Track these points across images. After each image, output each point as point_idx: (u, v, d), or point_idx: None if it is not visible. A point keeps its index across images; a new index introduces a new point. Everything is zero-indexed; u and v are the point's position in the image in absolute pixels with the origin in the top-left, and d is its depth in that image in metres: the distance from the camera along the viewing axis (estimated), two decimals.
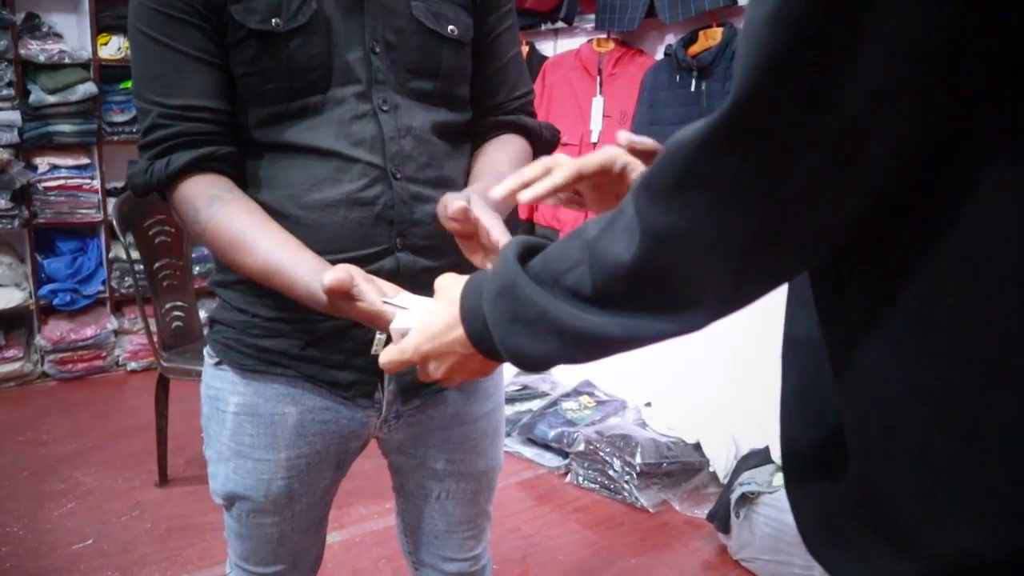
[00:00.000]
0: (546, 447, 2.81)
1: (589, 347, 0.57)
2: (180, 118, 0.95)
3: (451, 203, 0.85)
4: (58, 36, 3.51)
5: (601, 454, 2.59)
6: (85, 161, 3.56)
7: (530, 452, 2.84)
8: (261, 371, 1.05)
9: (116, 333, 3.66)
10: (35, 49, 3.37)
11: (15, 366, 3.43)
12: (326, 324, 1.00)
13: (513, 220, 2.06)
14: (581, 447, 2.64)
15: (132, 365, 3.67)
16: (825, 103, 0.42)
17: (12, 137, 3.33)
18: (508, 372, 3.31)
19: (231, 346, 1.06)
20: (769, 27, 0.42)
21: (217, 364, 1.08)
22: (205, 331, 1.32)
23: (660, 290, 0.53)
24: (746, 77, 0.43)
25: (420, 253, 0.99)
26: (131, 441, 2.88)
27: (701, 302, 0.52)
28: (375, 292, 0.82)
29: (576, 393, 3.03)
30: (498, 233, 0.83)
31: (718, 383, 2.65)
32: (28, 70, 3.40)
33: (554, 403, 2.98)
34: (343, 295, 0.83)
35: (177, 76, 0.95)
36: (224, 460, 1.08)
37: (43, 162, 3.47)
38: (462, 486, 1.17)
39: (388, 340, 1.02)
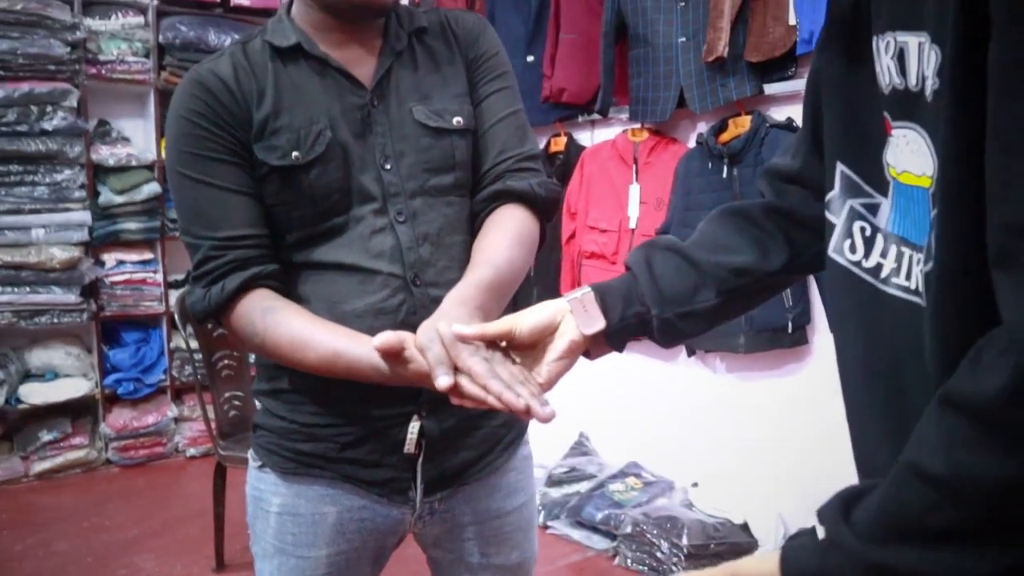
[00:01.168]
0: (594, 529, 2.81)
1: None
2: (228, 247, 1.05)
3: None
4: (126, 140, 3.76)
5: (648, 536, 2.58)
6: (149, 256, 3.76)
7: (578, 535, 2.84)
8: (301, 473, 1.12)
9: (176, 420, 3.80)
10: (105, 153, 3.62)
11: (81, 453, 3.58)
12: (360, 427, 1.08)
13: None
14: (628, 529, 2.64)
15: (191, 451, 3.80)
16: None
17: (82, 236, 3.56)
18: (555, 454, 3.33)
19: (273, 450, 1.13)
20: None
21: (260, 467, 1.15)
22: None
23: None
24: None
25: None
26: (189, 527, 2.97)
27: None
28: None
29: (623, 474, 3.04)
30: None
31: (764, 461, 2.65)
32: (98, 173, 3.66)
33: (601, 485, 2.99)
34: (396, 357, 0.91)
35: (220, 211, 1.05)
36: (268, 557, 1.14)
37: (110, 258, 3.70)
38: None
39: (419, 438, 1.09)
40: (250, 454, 1.18)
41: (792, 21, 2.29)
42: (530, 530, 1.25)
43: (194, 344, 2.78)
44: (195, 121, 1.05)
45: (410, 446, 1.08)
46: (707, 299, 0.87)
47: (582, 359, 0.91)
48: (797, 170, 0.86)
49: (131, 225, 3.69)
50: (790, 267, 0.89)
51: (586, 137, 3.32)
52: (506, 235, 1.09)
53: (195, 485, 3.37)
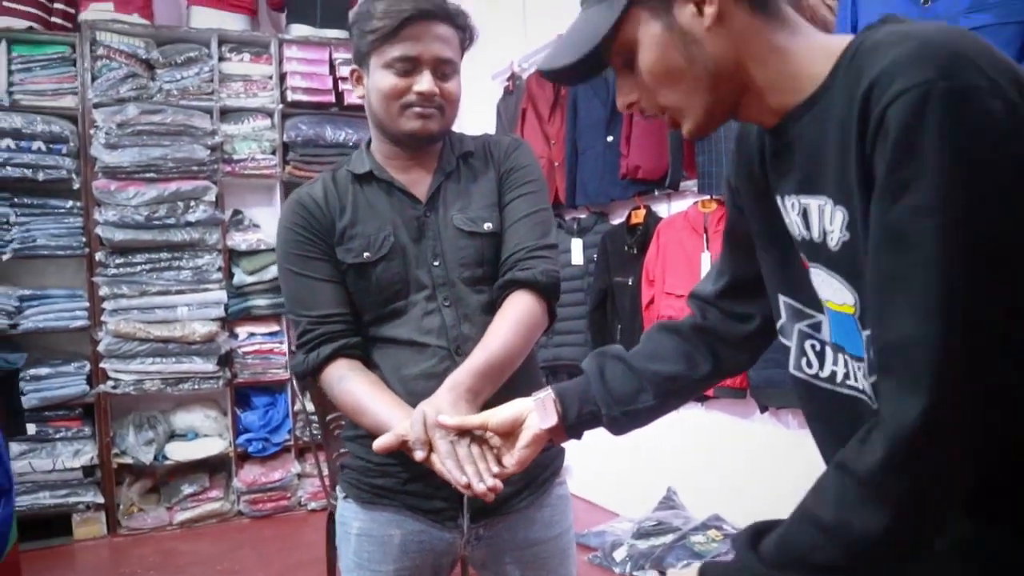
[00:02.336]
0: None
1: None
2: (320, 323, 1.37)
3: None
4: (256, 227, 4.25)
5: None
6: (275, 328, 4.21)
7: None
8: (374, 502, 1.40)
9: (299, 476, 4.17)
10: (238, 239, 4.11)
11: (216, 505, 4.00)
12: (418, 467, 1.35)
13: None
14: None
15: (312, 505, 4.15)
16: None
17: (219, 312, 4.03)
18: (645, 507, 3.50)
19: (354, 484, 1.42)
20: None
21: (345, 498, 1.44)
22: None
23: (902, 548, 0.68)
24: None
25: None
26: (307, 571, 3.30)
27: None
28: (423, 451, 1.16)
29: (704, 527, 3.17)
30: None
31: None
32: (233, 256, 4.14)
33: (683, 536, 3.13)
34: (405, 447, 1.17)
35: (314, 295, 1.37)
36: (351, 571, 1.42)
37: (243, 331, 4.15)
38: None
39: None
40: (338, 489, 1.48)
41: None
42: (566, 559, 1.46)
43: (311, 407, 3.14)
44: (295, 230, 1.38)
45: None
46: (647, 400, 1.07)
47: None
48: (714, 297, 1.07)
49: (260, 302, 4.16)
50: (715, 373, 1.08)
51: (663, 209, 3.56)
52: (506, 321, 1.33)
53: (314, 535, 3.70)
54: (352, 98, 4.30)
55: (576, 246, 3.87)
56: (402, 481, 1.37)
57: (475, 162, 1.45)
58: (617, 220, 3.72)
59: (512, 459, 1.11)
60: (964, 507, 0.71)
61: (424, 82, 1.31)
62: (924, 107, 0.64)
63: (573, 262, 3.88)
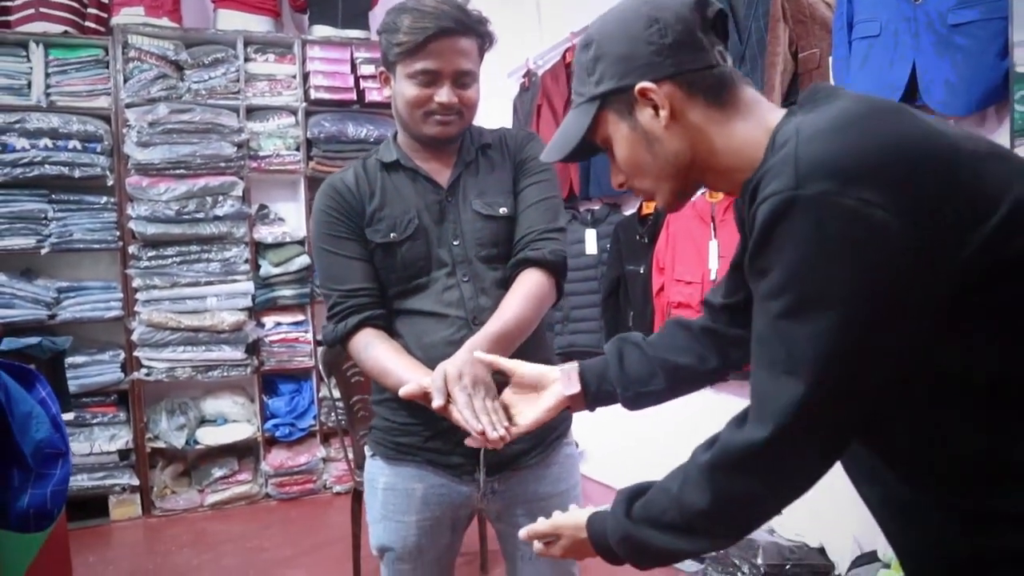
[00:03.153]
0: None
1: (679, 558, 0.98)
2: (349, 296, 1.51)
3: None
4: (281, 221, 4.41)
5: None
6: (301, 318, 4.36)
7: None
8: (399, 459, 1.54)
9: (324, 461, 4.32)
10: (264, 233, 4.27)
11: (245, 488, 4.16)
12: (440, 424, 1.49)
13: None
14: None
15: (337, 488, 4.30)
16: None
17: (246, 302, 4.19)
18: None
19: (380, 442, 1.56)
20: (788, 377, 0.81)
21: (372, 456, 1.59)
22: None
23: (728, 522, 0.92)
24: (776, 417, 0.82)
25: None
26: (333, 549, 3.45)
27: (752, 527, 0.93)
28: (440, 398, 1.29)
29: None
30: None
31: (841, 488, 2.84)
32: (259, 249, 4.29)
33: None
34: (423, 397, 1.31)
35: (344, 271, 1.51)
36: (376, 522, 1.57)
37: (269, 320, 4.30)
38: None
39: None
40: (365, 448, 1.62)
41: None
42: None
43: (336, 393, 3.29)
44: (329, 212, 1.53)
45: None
46: (658, 384, 1.21)
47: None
48: (720, 307, 1.21)
49: (286, 292, 4.31)
50: (721, 368, 1.23)
51: None
52: (518, 294, 1.48)
53: (339, 516, 3.86)
54: (372, 95, 4.45)
55: (590, 236, 4.00)
56: (423, 439, 1.51)
57: (492, 153, 1.58)
58: (629, 211, 3.84)
59: (527, 418, 1.25)
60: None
61: (444, 94, 1.45)
62: (781, 211, 0.78)
63: (587, 252, 4.00)
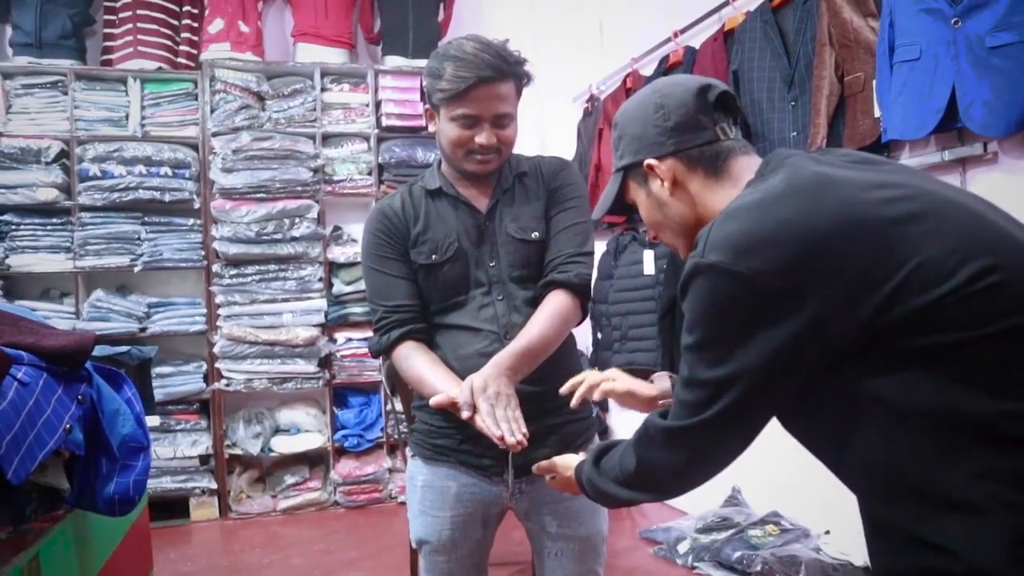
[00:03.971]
0: (731, 569, 3.13)
1: (621, 503, 1.24)
2: (394, 311, 1.66)
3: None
4: (354, 241, 4.63)
5: (776, 574, 2.88)
6: (370, 334, 4.56)
7: (718, 574, 3.16)
8: (435, 459, 1.68)
9: (390, 471, 4.49)
10: (337, 253, 4.50)
11: (316, 495, 4.37)
12: (470, 429, 1.62)
13: None
14: (758, 567, 2.95)
15: (402, 498, 4.45)
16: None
17: (320, 319, 4.42)
18: (712, 505, 3.67)
19: (420, 443, 1.71)
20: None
21: (412, 456, 1.73)
22: None
23: (647, 483, 1.16)
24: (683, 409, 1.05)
25: (526, 382, 1.59)
26: (393, 554, 3.61)
27: (667, 491, 1.18)
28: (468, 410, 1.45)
29: (763, 522, 3.33)
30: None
31: None
32: (333, 268, 4.53)
33: (742, 531, 3.30)
34: (453, 407, 1.45)
35: (390, 288, 1.66)
36: (415, 517, 1.71)
37: (341, 336, 4.51)
38: (570, 546, 1.68)
39: None
40: (407, 448, 1.77)
41: (877, 114, 2.64)
42: (596, 512, 1.70)
43: (400, 407, 3.46)
44: (377, 235, 1.68)
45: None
46: None
47: None
48: None
49: (357, 309, 4.52)
50: None
51: None
52: (544, 314, 1.60)
53: (402, 524, 3.99)
54: None
55: (648, 257, 4.09)
56: (457, 441, 1.65)
57: (528, 181, 1.72)
58: None
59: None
60: None
61: (484, 136, 1.58)
62: (690, 273, 1.00)
63: (645, 272, 4.09)
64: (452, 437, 1.65)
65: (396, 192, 1.75)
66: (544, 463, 1.46)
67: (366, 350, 4.53)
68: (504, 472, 1.64)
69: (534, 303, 1.65)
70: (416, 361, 1.62)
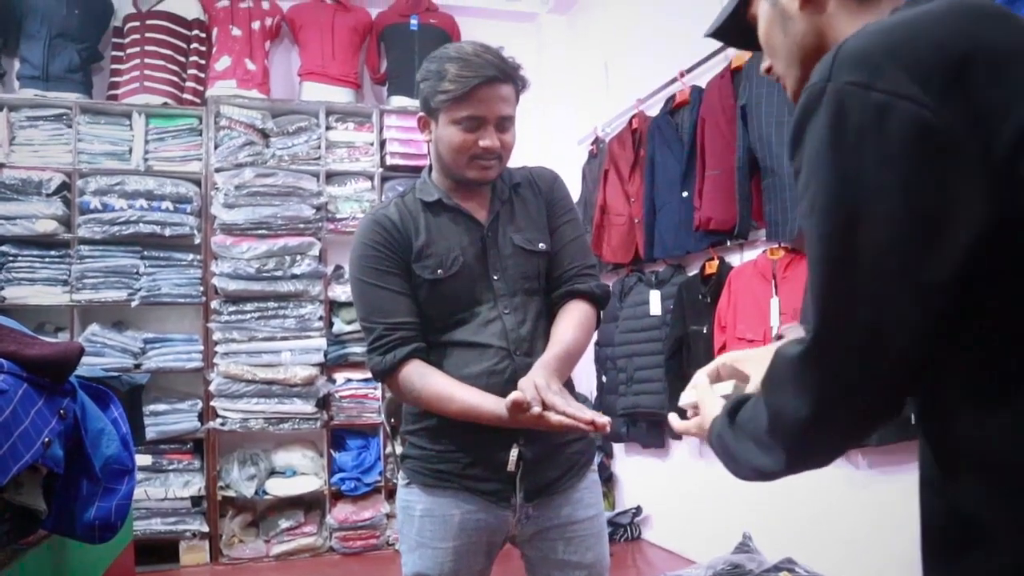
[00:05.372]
0: None
1: (755, 473, 0.90)
2: (396, 329, 1.57)
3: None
4: None
5: None
6: (370, 375, 4.47)
7: None
8: (437, 486, 1.58)
9: (388, 516, 4.34)
10: (338, 291, 4.43)
11: (310, 540, 4.22)
12: (477, 452, 1.53)
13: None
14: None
15: (399, 545, 4.33)
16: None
17: (319, 358, 4.33)
18: (721, 551, 3.53)
19: (417, 471, 1.61)
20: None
21: (407, 484, 1.63)
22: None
23: (781, 438, 0.83)
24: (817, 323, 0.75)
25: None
26: None
27: (804, 451, 0.85)
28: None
29: (776, 569, 3.18)
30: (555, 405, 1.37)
31: (892, 552, 2.73)
32: (333, 307, 4.46)
33: None
34: (520, 408, 1.37)
35: (391, 305, 1.58)
36: (412, 550, 1.60)
37: (340, 376, 4.42)
38: (577, 573, 1.59)
39: (519, 461, 1.52)
40: (399, 476, 1.67)
41: None
42: (601, 537, 1.62)
43: (400, 449, 3.35)
44: (374, 247, 1.61)
45: (511, 465, 1.52)
46: None
47: None
48: None
49: (357, 349, 4.42)
50: None
51: (736, 259, 3.68)
52: (572, 322, 1.57)
53: (400, 573, 3.88)
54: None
55: (654, 297, 4.02)
56: (463, 466, 1.56)
57: (524, 192, 1.67)
58: (693, 271, 3.86)
59: None
60: None
61: (489, 138, 1.54)
62: (808, 105, 0.76)
63: (651, 313, 4.02)
64: (457, 462, 1.56)
65: (388, 202, 1.68)
66: (692, 398, 1.11)
67: (366, 391, 4.43)
68: (512, 497, 1.55)
69: (541, 316, 1.60)
70: (436, 378, 1.54)
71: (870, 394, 0.78)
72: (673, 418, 1.13)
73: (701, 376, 1.12)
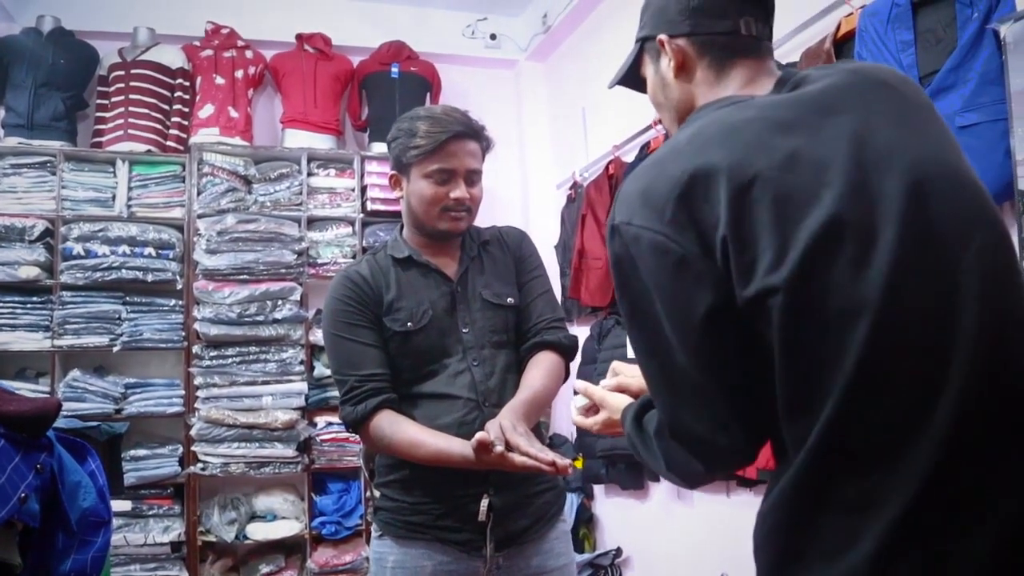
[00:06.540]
0: None
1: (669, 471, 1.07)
2: (367, 380, 1.63)
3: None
4: None
5: None
6: None
7: None
8: (409, 537, 1.62)
9: (368, 560, 4.35)
10: (319, 336, 4.43)
11: None
12: (449, 503, 1.58)
13: None
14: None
15: None
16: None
17: (300, 402, 4.33)
18: None
19: (390, 522, 1.65)
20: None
21: (380, 536, 1.67)
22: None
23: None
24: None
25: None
26: None
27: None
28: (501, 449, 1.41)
29: None
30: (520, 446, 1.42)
31: None
32: (314, 351, 4.47)
33: None
34: (485, 449, 1.41)
35: (361, 357, 1.64)
36: None
37: (321, 420, 4.41)
38: None
39: (489, 512, 1.56)
40: (372, 528, 1.71)
41: None
42: None
43: (379, 493, 3.37)
44: (346, 302, 1.67)
45: (482, 515, 1.56)
46: None
47: None
48: None
49: (337, 393, 4.44)
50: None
51: None
52: (541, 371, 1.64)
53: None
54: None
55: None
56: (434, 517, 1.60)
57: (493, 249, 1.74)
58: None
59: None
60: None
61: (459, 190, 1.62)
62: (607, 236, 0.99)
63: (628, 355, 4.06)
64: (428, 513, 1.61)
65: (360, 260, 1.75)
66: (596, 391, 1.25)
67: (346, 435, 4.43)
68: (483, 547, 1.59)
69: (509, 368, 1.65)
70: (405, 426, 1.59)
71: (711, 462, 0.99)
72: (576, 415, 1.28)
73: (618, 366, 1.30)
